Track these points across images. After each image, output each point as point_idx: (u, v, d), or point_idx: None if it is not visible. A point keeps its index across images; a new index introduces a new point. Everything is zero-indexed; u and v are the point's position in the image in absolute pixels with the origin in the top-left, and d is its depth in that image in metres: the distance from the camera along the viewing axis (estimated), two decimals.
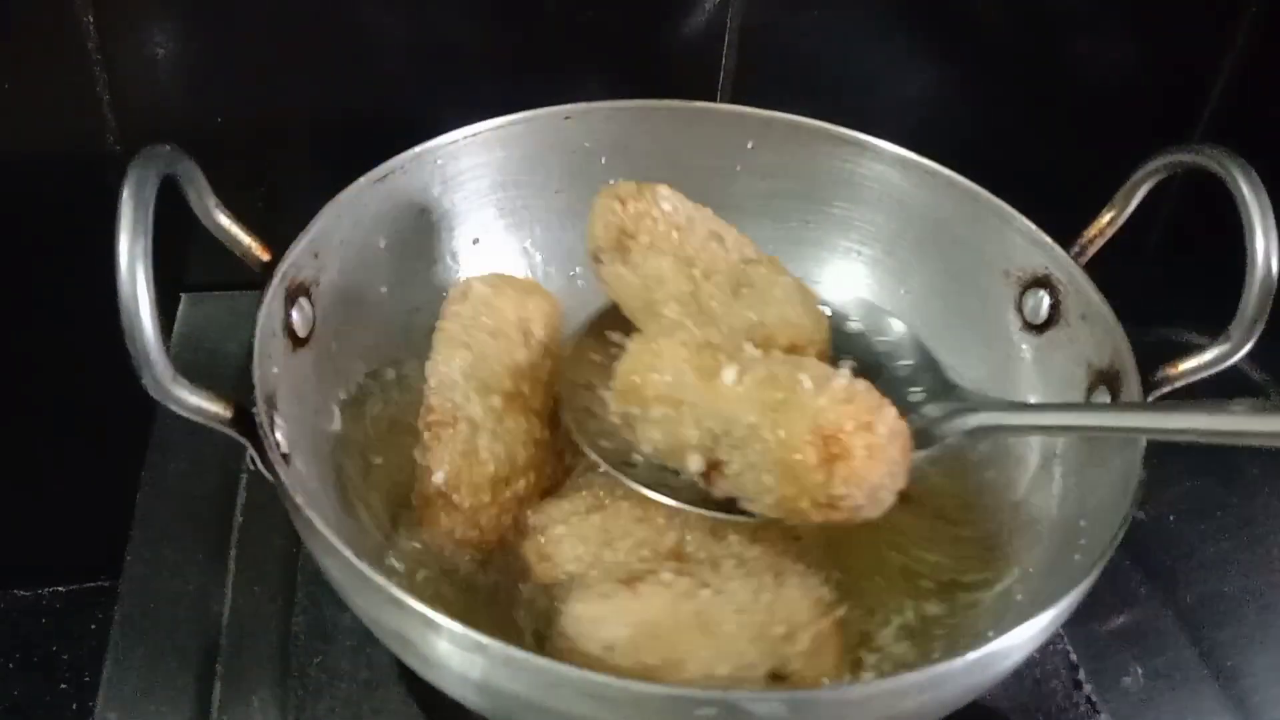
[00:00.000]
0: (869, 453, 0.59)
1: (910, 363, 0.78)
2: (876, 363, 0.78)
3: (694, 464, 0.65)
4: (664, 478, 0.68)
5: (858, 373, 0.66)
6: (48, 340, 0.94)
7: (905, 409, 0.68)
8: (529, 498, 0.71)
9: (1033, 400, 0.79)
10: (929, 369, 0.77)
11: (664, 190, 0.76)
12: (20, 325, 0.93)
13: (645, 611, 0.61)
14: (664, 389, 0.65)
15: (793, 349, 0.71)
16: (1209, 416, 0.58)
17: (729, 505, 0.65)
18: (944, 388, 0.75)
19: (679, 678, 0.59)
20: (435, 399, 0.71)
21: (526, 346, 0.74)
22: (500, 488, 0.69)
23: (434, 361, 0.73)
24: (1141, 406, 0.68)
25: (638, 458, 0.70)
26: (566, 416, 0.73)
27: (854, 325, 0.81)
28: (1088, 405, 0.72)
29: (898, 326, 0.81)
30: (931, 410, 0.73)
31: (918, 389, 0.75)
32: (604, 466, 0.69)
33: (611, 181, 0.77)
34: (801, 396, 0.61)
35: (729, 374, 0.64)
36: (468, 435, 0.70)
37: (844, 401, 0.60)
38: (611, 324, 0.78)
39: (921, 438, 0.68)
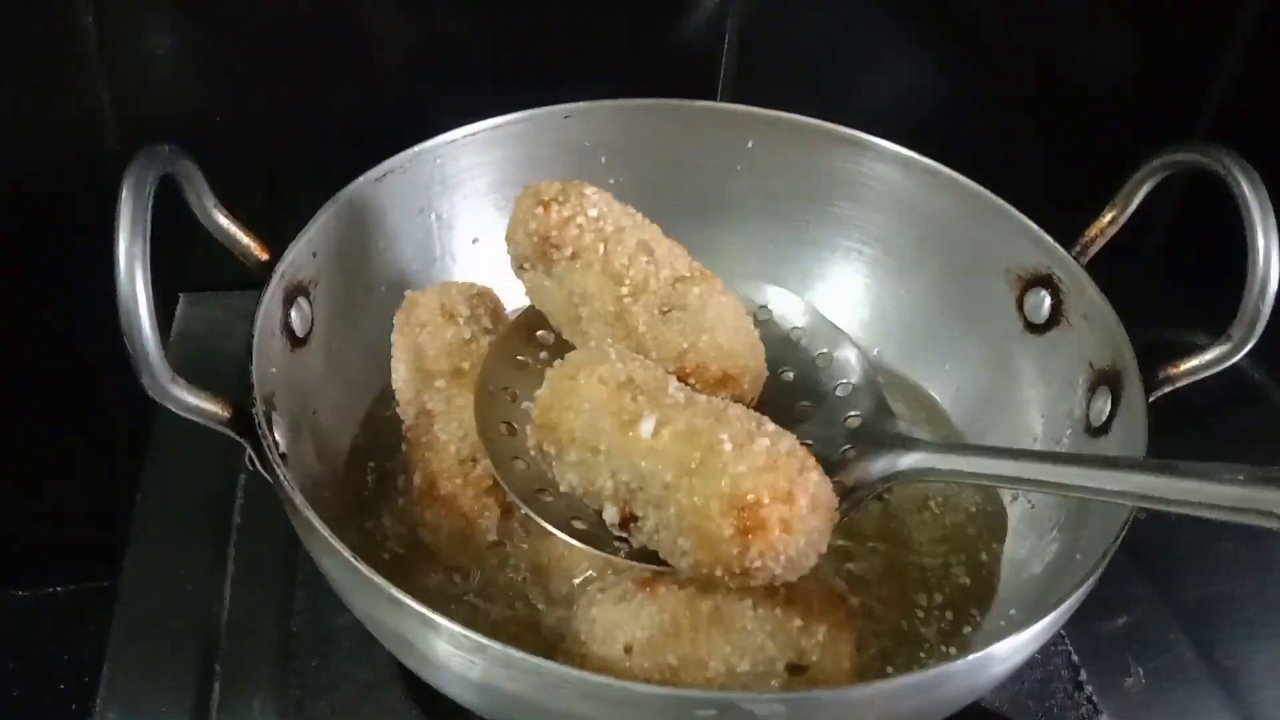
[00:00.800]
0: (786, 526, 0.56)
1: (851, 382, 0.74)
2: (815, 380, 0.75)
3: (609, 515, 0.62)
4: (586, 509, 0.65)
5: (787, 412, 0.67)
6: (47, 340, 0.94)
7: (836, 440, 0.69)
8: None
9: (1032, 399, 0.79)
10: (870, 392, 0.73)
11: (591, 192, 0.71)
12: (19, 325, 0.93)
13: (663, 612, 0.61)
14: (580, 432, 0.62)
15: (725, 379, 0.68)
16: (1160, 479, 0.57)
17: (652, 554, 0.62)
18: (882, 415, 0.72)
19: (700, 676, 0.60)
20: (399, 409, 0.76)
21: (455, 324, 0.75)
22: (468, 467, 0.70)
23: (393, 379, 0.76)
24: (1100, 462, 0.64)
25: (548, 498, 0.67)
26: (480, 431, 0.69)
27: (798, 335, 0.78)
28: (1030, 454, 0.70)
29: (842, 342, 0.77)
30: (864, 442, 0.70)
31: (855, 414, 0.72)
32: (516, 500, 0.66)
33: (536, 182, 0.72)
34: (720, 459, 0.58)
35: (647, 425, 0.60)
36: (426, 426, 0.72)
37: (764, 469, 0.57)
38: (542, 321, 0.75)
39: (849, 477, 0.66)
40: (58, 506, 0.96)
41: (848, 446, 0.69)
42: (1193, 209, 1.06)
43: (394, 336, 0.76)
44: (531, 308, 0.75)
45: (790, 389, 0.75)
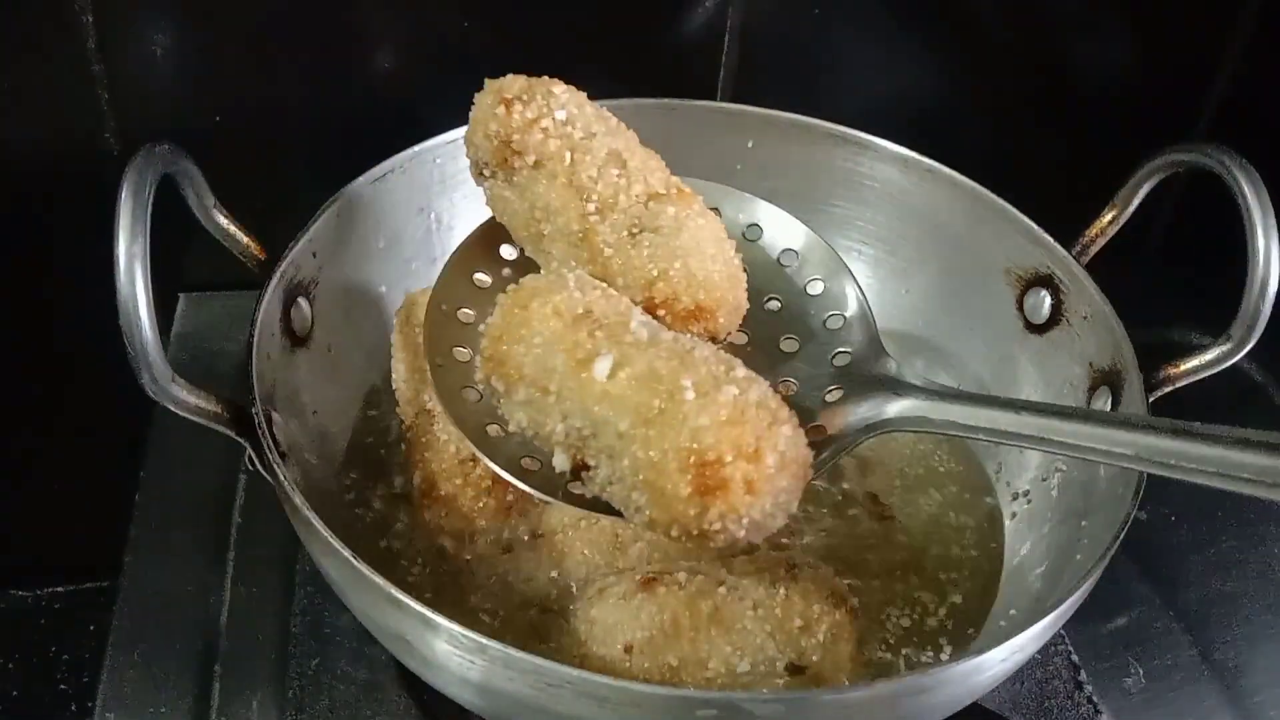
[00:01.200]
0: (750, 487, 0.52)
1: (844, 315, 0.69)
2: (804, 310, 0.70)
3: (559, 461, 0.57)
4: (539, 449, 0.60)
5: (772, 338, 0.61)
6: (47, 340, 0.94)
7: (821, 380, 0.63)
8: None
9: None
10: (862, 327, 0.68)
11: (560, 91, 0.64)
12: (19, 325, 0.92)
13: (663, 612, 0.60)
14: (530, 369, 0.57)
15: (698, 311, 0.62)
16: (1174, 442, 0.52)
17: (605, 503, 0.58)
18: (874, 353, 0.67)
19: (700, 676, 0.59)
20: (399, 408, 0.75)
21: None
22: (468, 467, 0.69)
23: (393, 378, 0.75)
24: (1108, 419, 0.57)
25: (496, 432, 0.61)
26: (428, 355, 0.63)
27: (789, 259, 0.72)
28: (1032, 406, 0.60)
29: (838, 269, 0.71)
30: (851, 383, 0.65)
31: (845, 349, 0.68)
32: (459, 434, 0.61)
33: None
34: (680, 409, 0.52)
35: (602, 365, 0.55)
36: (426, 426, 0.71)
37: (729, 422, 0.52)
38: (506, 235, 0.68)
39: (831, 423, 0.61)
40: (58, 506, 0.96)
41: (833, 387, 0.65)
42: (1193, 209, 1.06)
43: (394, 336, 0.76)
44: (492, 220, 0.68)
45: (775, 320, 0.69)
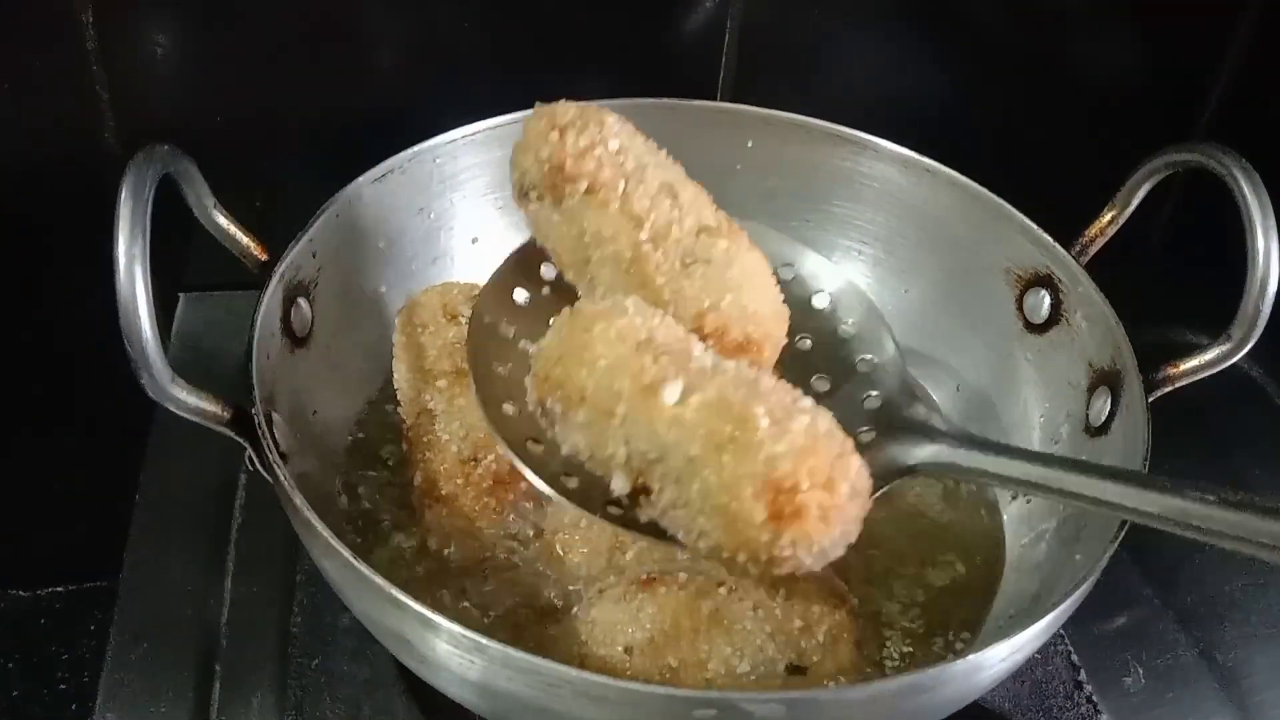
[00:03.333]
0: (824, 514, 0.52)
1: (875, 359, 0.71)
2: (835, 351, 0.71)
3: (618, 484, 0.57)
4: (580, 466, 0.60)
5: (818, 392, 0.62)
6: (47, 340, 0.94)
7: (853, 421, 0.63)
8: (503, 471, 0.69)
9: (1032, 398, 0.79)
10: (894, 371, 0.70)
11: (612, 120, 0.64)
12: (19, 324, 0.92)
13: (663, 613, 0.60)
14: (592, 391, 0.57)
15: (747, 343, 0.63)
16: (1206, 509, 0.53)
17: (654, 527, 0.58)
18: (905, 398, 0.68)
19: (700, 677, 0.59)
20: (400, 409, 0.74)
21: (456, 325, 0.73)
22: (469, 467, 0.69)
23: (394, 379, 0.75)
24: (1128, 478, 0.58)
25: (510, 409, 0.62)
26: (471, 365, 0.64)
27: (821, 300, 0.73)
28: (1062, 461, 0.63)
29: (871, 314, 0.73)
30: (883, 426, 0.66)
31: (875, 393, 0.69)
32: (504, 449, 0.61)
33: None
34: (755, 435, 0.52)
35: (672, 390, 0.55)
36: (428, 426, 0.71)
37: (804, 450, 0.52)
38: (545, 256, 0.68)
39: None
40: (58, 506, 0.96)
41: (865, 428, 0.66)
42: (1193, 209, 1.06)
43: (395, 337, 0.76)
44: (532, 241, 0.69)
45: (805, 359, 0.71)
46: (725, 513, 0.53)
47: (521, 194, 0.65)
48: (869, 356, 0.71)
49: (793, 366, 0.68)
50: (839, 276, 0.75)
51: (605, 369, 0.57)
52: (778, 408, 0.54)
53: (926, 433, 0.65)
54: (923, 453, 0.64)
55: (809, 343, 0.72)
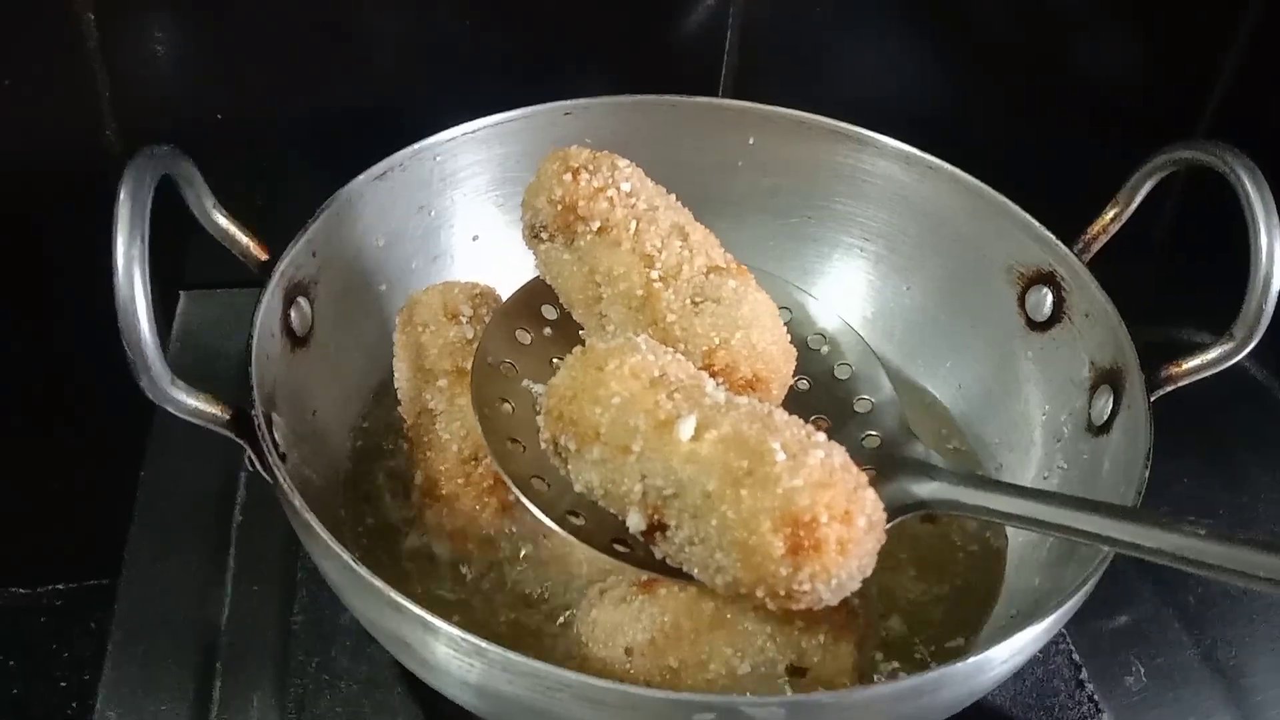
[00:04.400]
0: (842, 548, 0.53)
1: (872, 400, 0.72)
2: (832, 392, 0.73)
3: (634, 521, 0.58)
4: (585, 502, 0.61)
5: (823, 426, 0.62)
6: (47, 339, 0.94)
7: (855, 459, 0.62)
8: None
9: (1033, 397, 0.79)
10: (892, 412, 0.71)
11: (624, 165, 0.67)
12: (18, 324, 0.92)
13: (664, 614, 0.60)
14: (607, 429, 0.57)
15: (755, 381, 0.64)
16: (1213, 546, 0.52)
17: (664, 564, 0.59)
18: (903, 438, 0.69)
19: (701, 678, 0.59)
20: (401, 408, 0.74)
21: (457, 324, 0.73)
22: (470, 467, 0.69)
23: (395, 378, 0.75)
24: (1125, 514, 0.59)
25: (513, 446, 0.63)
26: (475, 406, 0.65)
27: (817, 342, 0.75)
28: (1064, 499, 0.62)
29: (867, 355, 0.75)
30: (883, 465, 0.67)
31: (874, 434, 0.71)
32: (514, 491, 0.63)
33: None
34: (771, 469, 0.53)
35: (686, 426, 0.55)
36: (428, 425, 0.71)
37: (821, 484, 0.53)
38: (548, 296, 0.70)
39: None
40: (57, 505, 0.96)
41: (867, 467, 0.65)
42: (1195, 207, 1.06)
43: (396, 335, 0.75)
44: (536, 280, 0.71)
45: (804, 399, 0.72)
46: (744, 547, 0.53)
47: (533, 234, 0.67)
48: (866, 397, 0.73)
49: (792, 408, 0.68)
50: (834, 318, 0.77)
51: (619, 405, 0.57)
52: (792, 442, 0.55)
53: (927, 471, 0.66)
54: (925, 490, 0.65)
55: (807, 384, 0.74)
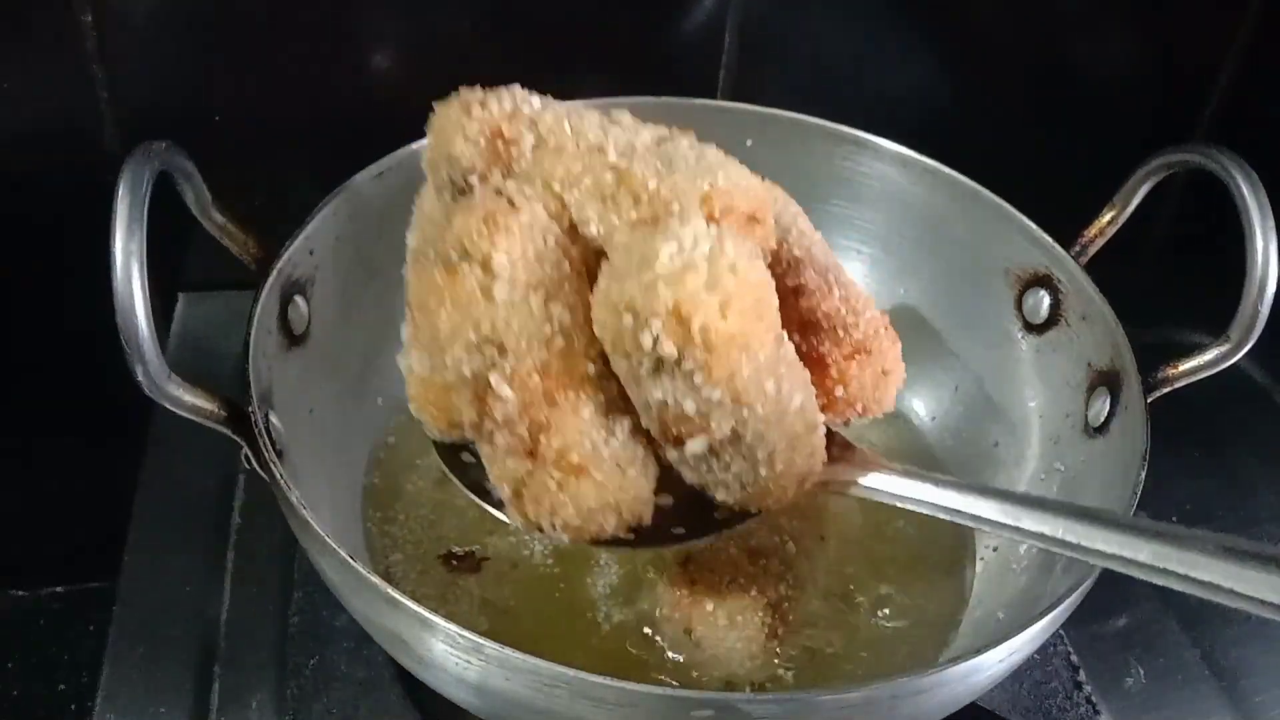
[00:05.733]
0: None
1: None
2: None
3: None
4: None
5: None
6: (45, 338, 0.94)
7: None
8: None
9: (1031, 399, 0.79)
10: None
11: (518, 88, 0.62)
12: (17, 323, 0.92)
13: None
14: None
15: (755, 216, 0.59)
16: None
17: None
18: None
19: None
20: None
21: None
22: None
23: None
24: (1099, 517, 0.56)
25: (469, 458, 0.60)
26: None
27: None
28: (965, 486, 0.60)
29: None
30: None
31: None
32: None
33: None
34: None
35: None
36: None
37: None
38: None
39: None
40: (56, 506, 0.96)
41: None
42: (1192, 209, 1.06)
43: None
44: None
45: None
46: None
47: (459, 190, 0.61)
48: None
49: None
50: None
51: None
52: None
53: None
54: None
55: None
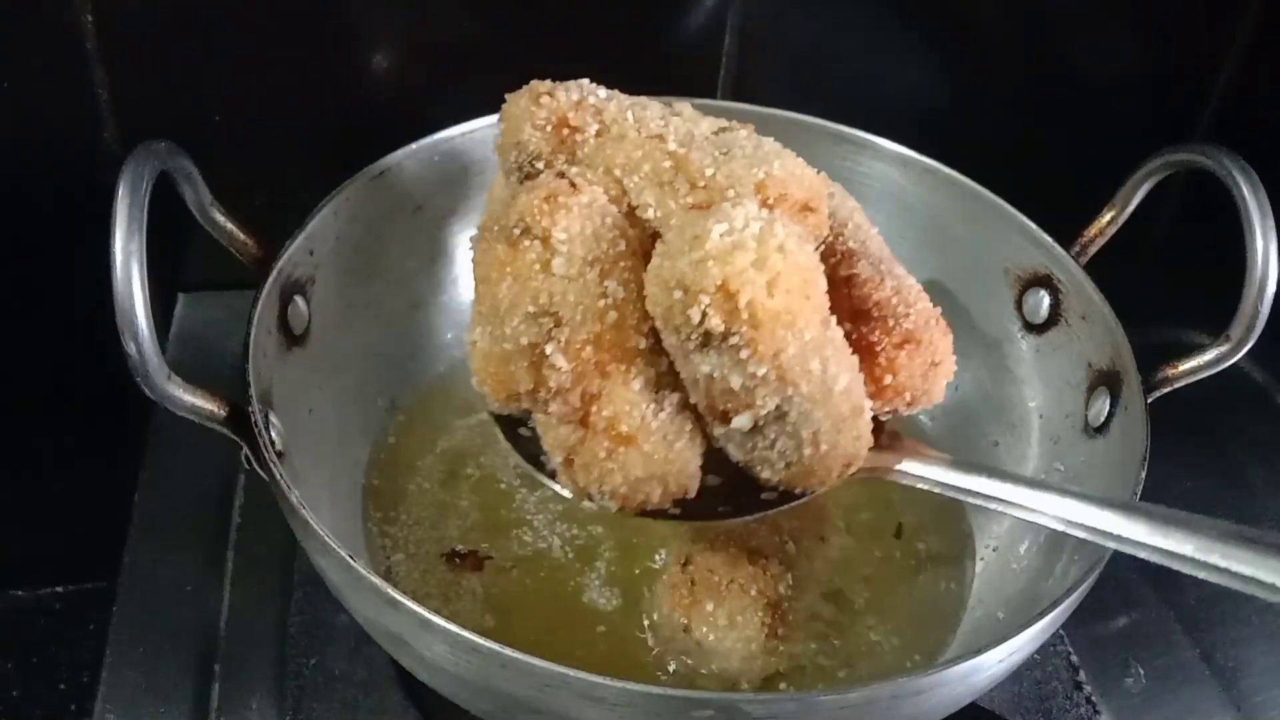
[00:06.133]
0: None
1: None
2: None
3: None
4: None
5: None
6: (45, 338, 0.94)
7: None
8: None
9: (1031, 399, 0.79)
10: None
11: (586, 81, 0.65)
12: (17, 323, 0.92)
13: None
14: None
15: (808, 205, 0.60)
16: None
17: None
18: None
19: None
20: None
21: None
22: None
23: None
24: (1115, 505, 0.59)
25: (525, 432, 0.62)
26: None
27: None
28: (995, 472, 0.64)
29: None
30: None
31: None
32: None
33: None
34: None
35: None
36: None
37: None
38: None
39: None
40: (56, 507, 0.96)
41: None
42: (1192, 209, 1.06)
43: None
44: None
45: None
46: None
47: (526, 175, 0.63)
48: None
49: None
50: None
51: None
52: None
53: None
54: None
55: None
